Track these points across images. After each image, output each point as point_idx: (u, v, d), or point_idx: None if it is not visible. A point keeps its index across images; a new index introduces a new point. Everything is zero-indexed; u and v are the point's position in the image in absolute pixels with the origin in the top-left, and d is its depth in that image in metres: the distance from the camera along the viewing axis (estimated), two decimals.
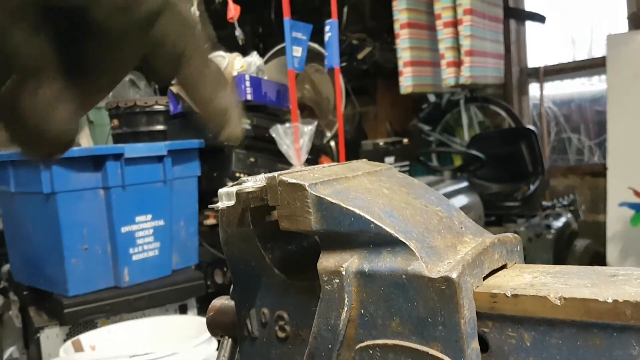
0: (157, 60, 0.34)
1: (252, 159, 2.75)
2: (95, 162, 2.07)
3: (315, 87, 3.28)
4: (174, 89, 2.77)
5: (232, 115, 0.37)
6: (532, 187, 3.53)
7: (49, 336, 2.07)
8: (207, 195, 2.49)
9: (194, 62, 0.34)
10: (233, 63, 2.73)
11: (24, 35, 0.29)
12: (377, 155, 3.42)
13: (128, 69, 0.35)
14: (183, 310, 2.35)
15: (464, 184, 3.18)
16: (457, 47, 3.35)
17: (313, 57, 3.08)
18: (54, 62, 0.31)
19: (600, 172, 3.76)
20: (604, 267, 0.40)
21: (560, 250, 3.21)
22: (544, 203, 3.64)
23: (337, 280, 0.39)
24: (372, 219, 0.39)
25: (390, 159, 3.51)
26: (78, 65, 0.33)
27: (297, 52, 2.65)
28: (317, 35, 2.87)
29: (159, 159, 2.24)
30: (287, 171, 0.44)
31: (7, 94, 0.31)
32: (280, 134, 2.59)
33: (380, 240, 0.39)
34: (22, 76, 0.30)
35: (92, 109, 0.36)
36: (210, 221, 2.78)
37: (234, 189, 0.43)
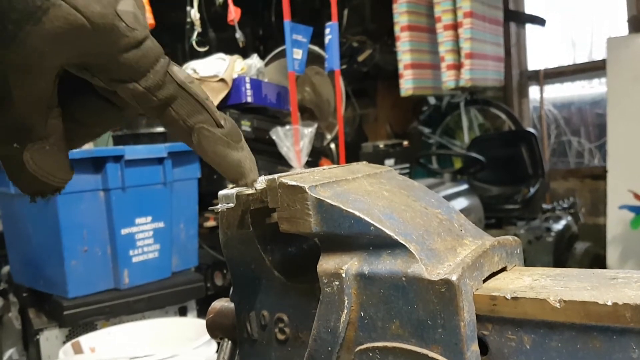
0: (169, 129, 0.38)
1: None
2: (96, 163, 2.07)
3: (315, 89, 3.28)
4: None
5: (245, 167, 0.40)
6: (532, 190, 3.53)
7: (49, 338, 2.07)
8: (207, 197, 2.49)
9: (204, 132, 0.38)
10: (233, 65, 2.73)
11: (41, 117, 0.35)
12: (377, 158, 3.43)
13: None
14: (183, 312, 2.35)
15: (464, 186, 3.18)
16: (457, 50, 3.36)
17: (313, 59, 3.09)
18: (59, 130, 0.37)
19: (600, 174, 3.76)
20: (604, 270, 0.40)
21: (561, 253, 3.21)
22: (544, 206, 3.64)
23: (337, 283, 0.39)
24: (372, 222, 0.39)
25: (390, 161, 3.51)
26: (80, 120, 0.39)
27: (298, 54, 2.65)
28: (318, 38, 2.88)
29: (159, 160, 2.24)
30: (287, 173, 0.44)
31: (17, 151, 0.36)
32: (281, 136, 2.59)
33: (380, 243, 0.39)
34: (33, 140, 0.36)
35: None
36: (210, 223, 2.78)
37: (234, 191, 0.43)
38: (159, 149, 2.24)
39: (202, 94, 0.38)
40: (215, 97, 2.68)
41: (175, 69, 0.37)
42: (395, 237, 0.38)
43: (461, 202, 2.95)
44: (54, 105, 0.36)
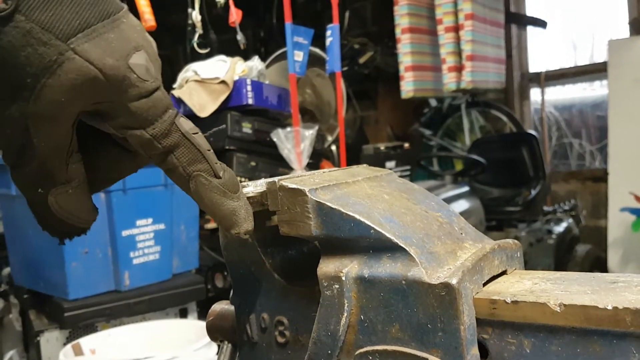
0: (169, 174, 0.40)
1: (253, 163, 2.75)
2: None
3: (316, 91, 3.28)
4: (176, 93, 2.77)
5: (239, 216, 0.41)
6: (533, 192, 3.53)
7: (49, 340, 2.07)
8: None
9: (201, 180, 0.39)
10: (234, 67, 2.73)
11: (62, 162, 0.38)
12: (378, 160, 3.42)
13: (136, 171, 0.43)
14: (183, 314, 2.35)
15: (465, 188, 3.18)
16: (458, 52, 3.36)
17: (314, 61, 3.09)
18: (81, 174, 0.40)
19: (601, 177, 3.76)
20: (604, 274, 0.40)
21: (562, 256, 3.21)
22: (545, 208, 3.64)
23: (337, 286, 0.39)
24: (372, 225, 0.39)
25: (391, 164, 3.51)
26: (97, 166, 0.42)
27: (299, 56, 2.65)
28: (319, 40, 2.88)
29: None
30: (288, 176, 0.44)
31: (42, 196, 0.39)
32: (282, 138, 2.59)
33: (380, 246, 0.39)
34: (57, 185, 0.39)
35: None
36: (211, 225, 2.78)
37: None
38: None
39: (205, 144, 0.40)
40: (216, 99, 2.68)
41: (181, 120, 0.39)
42: (396, 240, 0.38)
43: (462, 204, 2.95)
44: (74, 151, 0.39)
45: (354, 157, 3.32)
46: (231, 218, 0.41)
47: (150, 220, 2.22)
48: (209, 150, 0.40)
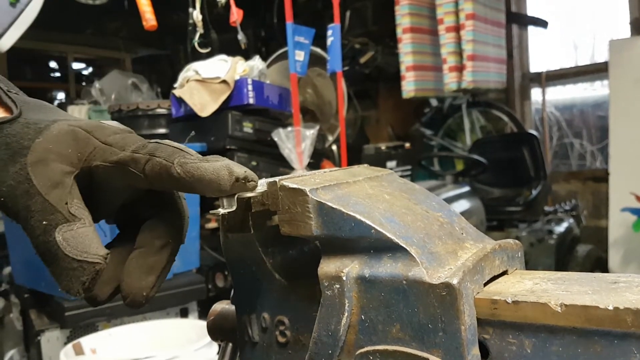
0: (154, 175, 0.42)
1: (254, 163, 2.76)
2: None
3: (317, 91, 3.28)
4: (177, 92, 2.78)
5: (224, 170, 0.41)
6: (534, 192, 3.53)
7: (50, 339, 2.07)
8: (208, 199, 2.49)
9: (182, 160, 0.42)
10: (235, 67, 2.73)
11: (62, 198, 0.42)
12: (379, 160, 3.43)
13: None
14: (184, 313, 2.35)
15: (466, 188, 3.18)
16: (459, 52, 3.36)
17: (315, 61, 3.09)
18: (86, 216, 0.43)
19: (602, 177, 3.76)
20: (605, 274, 0.39)
21: (562, 256, 3.21)
22: (546, 208, 3.64)
23: (338, 286, 0.39)
24: (372, 225, 0.39)
25: (392, 163, 3.51)
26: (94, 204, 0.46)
27: (300, 56, 2.65)
28: (320, 40, 2.88)
29: None
30: (288, 176, 0.44)
31: (50, 240, 0.42)
32: (282, 137, 2.59)
33: (381, 246, 0.39)
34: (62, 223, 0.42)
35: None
36: (212, 225, 2.78)
37: None
38: None
39: (179, 145, 0.43)
40: (217, 99, 2.68)
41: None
42: (396, 240, 0.38)
43: (463, 204, 2.95)
44: (74, 198, 0.43)
45: (354, 157, 3.32)
46: (221, 172, 0.41)
47: None
48: (185, 149, 0.43)
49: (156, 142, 0.44)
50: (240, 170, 0.41)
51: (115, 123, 0.48)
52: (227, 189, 0.41)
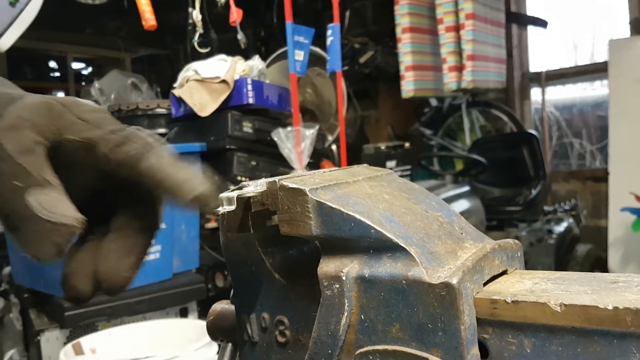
0: (126, 163, 0.42)
1: (253, 163, 2.76)
2: None
3: (317, 90, 3.28)
4: (176, 92, 2.78)
5: (197, 179, 0.41)
6: (533, 192, 3.53)
7: (50, 339, 2.07)
8: None
9: (155, 153, 0.42)
10: (235, 67, 2.73)
11: (35, 162, 0.40)
12: (378, 159, 3.43)
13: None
14: (184, 313, 2.35)
15: (466, 188, 3.18)
16: (459, 52, 3.36)
17: (315, 60, 3.09)
18: (59, 182, 0.40)
19: (601, 177, 3.76)
20: (605, 274, 0.40)
21: (562, 255, 3.21)
22: (546, 208, 3.64)
23: (337, 286, 0.39)
24: (372, 224, 0.39)
25: (391, 163, 3.51)
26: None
27: (299, 55, 2.65)
28: (319, 39, 2.88)
29: None
30: (288, 176, 0.44)
31: (20, 202, 0.39)
32: (282, 137, 2.59)
33: (380, 246, 0.39)
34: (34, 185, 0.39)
35: None
36: (212, 224, 2.78)
37: (235, 193, 0.43)
38: None
39: (156, 139, 0.43)
40: (217, 99, 2.68)
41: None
42: (396, 240, 0.38)
43: (462, 204, 2.95)
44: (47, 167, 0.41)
45: (354, 157, 3.32)
46: (192, 180, 0.41)
47: None
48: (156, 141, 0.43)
49: (136, 129, 0.43)
50: (202, 188, 0.41)
51: (91, 103, 0.46)
52: (184, 203, 0.41)
